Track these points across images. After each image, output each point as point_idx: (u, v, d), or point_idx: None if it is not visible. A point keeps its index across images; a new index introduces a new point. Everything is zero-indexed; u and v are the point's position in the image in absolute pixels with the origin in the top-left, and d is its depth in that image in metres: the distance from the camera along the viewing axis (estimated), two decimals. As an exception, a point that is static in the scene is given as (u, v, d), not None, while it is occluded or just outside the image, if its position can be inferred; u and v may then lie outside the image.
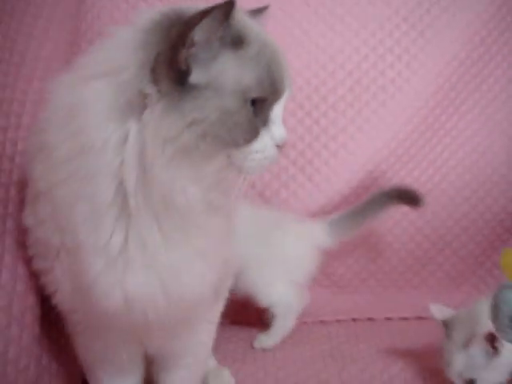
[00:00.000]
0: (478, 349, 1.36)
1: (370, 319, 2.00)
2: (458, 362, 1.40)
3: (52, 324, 1.17)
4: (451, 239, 2.20)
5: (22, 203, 1.10)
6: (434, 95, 2.13)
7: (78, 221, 0.91)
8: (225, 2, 0.83)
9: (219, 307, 1.20)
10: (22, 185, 1.11)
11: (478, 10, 2.15)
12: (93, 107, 0.87)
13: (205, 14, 0.83)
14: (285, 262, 1.81)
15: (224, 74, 0.87)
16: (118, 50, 0.89)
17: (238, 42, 0.89)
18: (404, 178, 2.14)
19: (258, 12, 1.03)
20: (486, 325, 1.30)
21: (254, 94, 0.88)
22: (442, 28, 2.14)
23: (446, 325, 1.48)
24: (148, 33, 0.88)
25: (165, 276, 0.94)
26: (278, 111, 0.93)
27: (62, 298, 1.02)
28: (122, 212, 0.91)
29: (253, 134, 0.90)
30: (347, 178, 2.08)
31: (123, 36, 0.91)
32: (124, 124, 0.87)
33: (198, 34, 0.84)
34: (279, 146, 0.93)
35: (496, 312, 0.90)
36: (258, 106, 0.90)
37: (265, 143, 0.91)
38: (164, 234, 0.92)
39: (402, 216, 2.16)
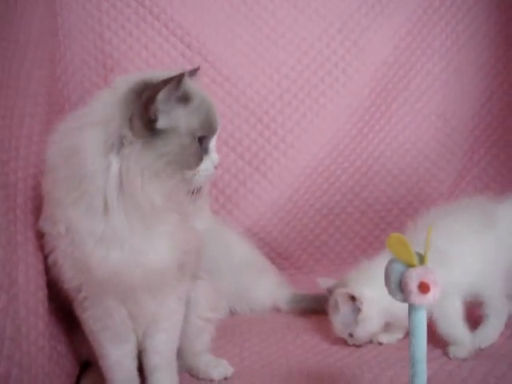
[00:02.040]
0: (347, 308, 1.70)
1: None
2: (337, 322, 1.74)
3: (57, 318, 1.50)
4: (392, 220, 2.54)
5: (27, 221, 1.43)
6: (369, 96, 2.45)
7: (74, 216, 1.28)
8: (179, 74, 1.22)
9: (186, 287, 1.51)
10: (32, 205, 1.46)
11: (402, 19, 2.46)
12: (87, 147, 1.25)
13: (166, 82, 1.21)
14: None
15: (178, 121, 1.25)
16: (105, 107, 1.27)
17: (186, 98, 1.27)
18: (347, 169, 2.47)
19: (193, 72, 1.41)
20: (350, 287, 1.70)
21: (199, 134, 1.28)
22: (372, 37, 2.45)
23: (329, 291, 1.79)
24: (126, 96, 1.25)
25: (133, 253, 1.30)
26: (213, 143, 1.33)
27: (68, 278, 1.35)
28: (103, 211, 1.27)
29: (199, 159, 1.29)
30: (297, 173, 2.40)
31: (107, 97, 1.29)
32: (107, 158, 1.24)
33: (162, 95, 1.22)
34: (215, 167, 1.33)
35: (387, 279, 1.22)
36: (201, 141, 1.29)
37: (207, 165, 1.31)
38: (131, 225, 1.28)
39: (347, 202, 2.49)
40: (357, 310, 1.69)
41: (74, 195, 1.27)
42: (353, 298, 1.69)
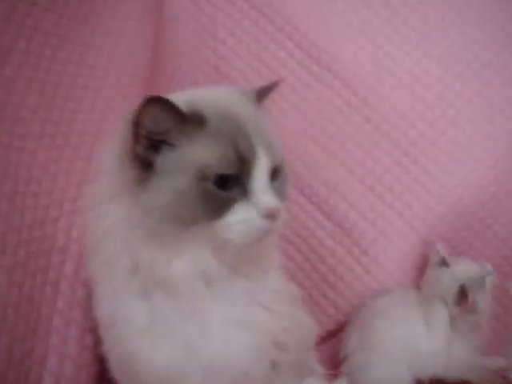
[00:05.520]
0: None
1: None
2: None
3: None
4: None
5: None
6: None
7: (115, 303, 1.01)
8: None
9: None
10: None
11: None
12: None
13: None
14: None
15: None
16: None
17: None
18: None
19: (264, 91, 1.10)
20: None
21: (215, 171, 0.92)
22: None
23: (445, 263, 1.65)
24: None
25: (189, 344, 0.98)
26: (260, 181, 0.95)
27: (112, 369, 1.11)
28: (143, 295, 1.00)
29: (219, 208, 0.93)
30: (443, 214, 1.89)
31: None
32: None
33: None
34: (269, 215, 0.93)
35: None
36: (229, 180, 0.93)
37: (244, 214, 0.92)
38: (177, 307, 0.98)
39: None
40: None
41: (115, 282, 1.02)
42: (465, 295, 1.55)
